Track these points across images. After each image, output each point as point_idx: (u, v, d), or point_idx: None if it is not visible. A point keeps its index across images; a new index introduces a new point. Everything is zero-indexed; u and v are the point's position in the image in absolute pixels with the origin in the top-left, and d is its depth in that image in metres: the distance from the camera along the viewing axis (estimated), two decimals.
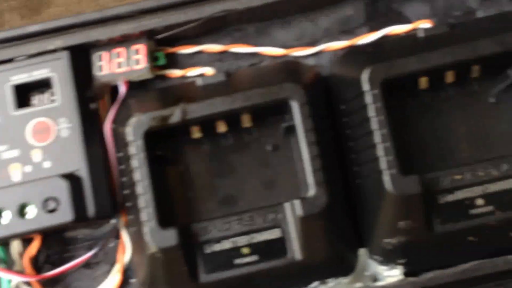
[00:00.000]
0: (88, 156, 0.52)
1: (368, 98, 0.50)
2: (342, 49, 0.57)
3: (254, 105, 0.51)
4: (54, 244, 0.55)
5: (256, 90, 0.51)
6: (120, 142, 0.53)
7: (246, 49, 0.57)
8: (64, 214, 0.50)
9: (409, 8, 0.57)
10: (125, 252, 0.54)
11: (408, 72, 0.50)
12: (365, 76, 0.50)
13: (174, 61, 0.57)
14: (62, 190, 0.50)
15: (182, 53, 0.57)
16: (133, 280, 0.55)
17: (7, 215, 0.50)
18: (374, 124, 0.50)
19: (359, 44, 0.56)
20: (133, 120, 0.51)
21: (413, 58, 0.50)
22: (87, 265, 0.55)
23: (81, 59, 0.54)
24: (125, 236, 0.54)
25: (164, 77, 0.57)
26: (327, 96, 0.55)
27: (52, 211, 0.50)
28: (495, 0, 0.57)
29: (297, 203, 0.50)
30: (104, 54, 0.54)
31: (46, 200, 0.50)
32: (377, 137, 0.50)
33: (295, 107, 0.51)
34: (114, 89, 0.56)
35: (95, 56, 0.54)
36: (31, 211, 0.50)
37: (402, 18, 0.57)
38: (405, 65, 0.50)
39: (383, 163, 0.50)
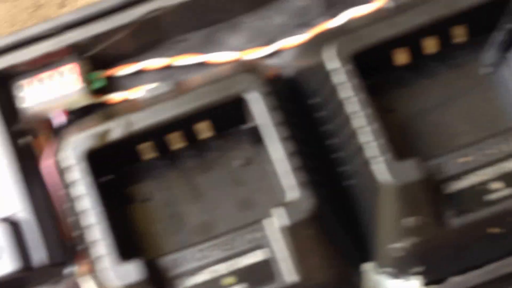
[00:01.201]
0: (27, 196, 0.45)
1: (342, 77, 0.43)
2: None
3: (206, 104, 0.43)
4: None
5: (207, 87, 0.44)
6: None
7: (192, 59, 0.49)
8: (7, 263, 0.42)
9: None
10: None
11: (381, 40, 0.43)
12: (333, 53, 0.43)
13: (115, 85, 0.50)
14: (4, 235, 0.42)
15: (122, 75, 0.50)
16: None
17: None
18: (355, 105, 0.43)
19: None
20: (70, 142, 0.43)
21: (382, 24, 0.43)
22: None
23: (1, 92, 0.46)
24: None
25: (106, 105, 0.49)
26: (294, 96, 0.47)
27: None
28: None
29: (279, 211, 0.41)
30: (27, 83, 0.47)
31: None
32: (360, 120, 0.42)
33: (258, 100, 0.43)
34: None
35: (15, 87, 0.47)
36: None
37: None
38: (375, 33, 0.43)
39: (372, 150, 0.42)
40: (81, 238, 0.44)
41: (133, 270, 0.41)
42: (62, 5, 0.57)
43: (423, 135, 0.47)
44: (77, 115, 0.48)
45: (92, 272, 0.44)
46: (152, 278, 0.41)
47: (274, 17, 0.51)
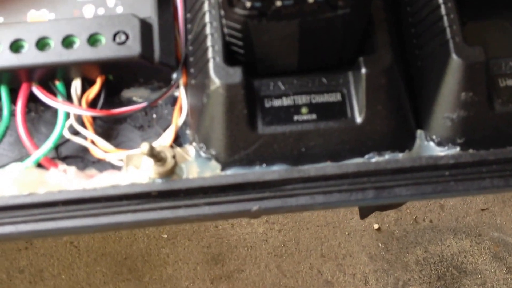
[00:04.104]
0: (159, 7, 0.53)
1: None
2: None
3: None
4: (111, 101, 0.55)
5: None
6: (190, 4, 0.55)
7: None
8: (132, 48, 0.50)
9: None
10: (181, 113, 0.53)
11: None
12: None
13: None
14: (133, 25, 0.51)
15: None
16: (187, 132, 0.54)
17: (78, 43, 0.50)
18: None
19: None
20: None
21: None
22: (140, 127, 0.55)
23: None
24: (182, 96, 0.54)
25: None
26: None
27: (121, 43, 0.50)
28: None
29: (361, 60, 0.50)
30: None
31: (116, 33, 0.50)
32: (443, 10, 0.51)
33: None
34: None
35: None
36: (101, 41, 0.50)
37: None
38: None
39: (449, 33, 0.51)
40: (192, 52, 0.53)
41: (234, 73, 0.49)
42: None
43: (489, 40, 0.56)
44: None
45: (190, 79, 0.53)
46: (246, 84, 0.50)
47: None
